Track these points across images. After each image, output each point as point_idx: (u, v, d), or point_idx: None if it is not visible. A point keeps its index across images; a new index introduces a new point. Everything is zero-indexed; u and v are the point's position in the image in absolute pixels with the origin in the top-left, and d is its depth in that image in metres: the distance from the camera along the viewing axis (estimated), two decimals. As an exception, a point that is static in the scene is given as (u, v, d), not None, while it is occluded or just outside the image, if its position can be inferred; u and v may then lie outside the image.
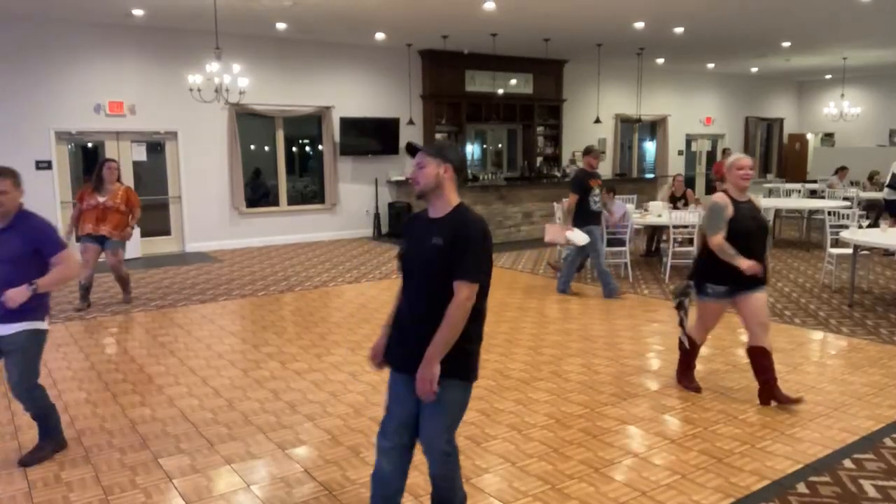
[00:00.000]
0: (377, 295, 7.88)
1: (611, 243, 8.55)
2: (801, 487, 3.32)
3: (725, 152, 14.10)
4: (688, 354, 4.72)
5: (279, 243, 12.08)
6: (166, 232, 11.28)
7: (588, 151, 7.69)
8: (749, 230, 4.28)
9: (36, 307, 3.55)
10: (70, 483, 3.48)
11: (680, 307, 4.61)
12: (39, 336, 3.63)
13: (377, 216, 13.02)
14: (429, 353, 2.58)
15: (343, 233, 12.85)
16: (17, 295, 3.41)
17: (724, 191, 4.39)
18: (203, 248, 11.30)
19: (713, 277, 4.37)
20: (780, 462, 3.58)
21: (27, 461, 3.68)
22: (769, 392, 4.38)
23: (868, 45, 13.53)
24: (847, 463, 3.56)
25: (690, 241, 8.63)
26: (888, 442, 3.81)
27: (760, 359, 4.41)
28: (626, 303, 7.34)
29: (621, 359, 5.39)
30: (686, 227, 8.78)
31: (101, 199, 7.19)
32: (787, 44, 13.12)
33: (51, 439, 3.80)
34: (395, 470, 2.79)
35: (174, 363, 5.46)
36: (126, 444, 3.94)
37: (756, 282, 4.28)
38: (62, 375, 5.18)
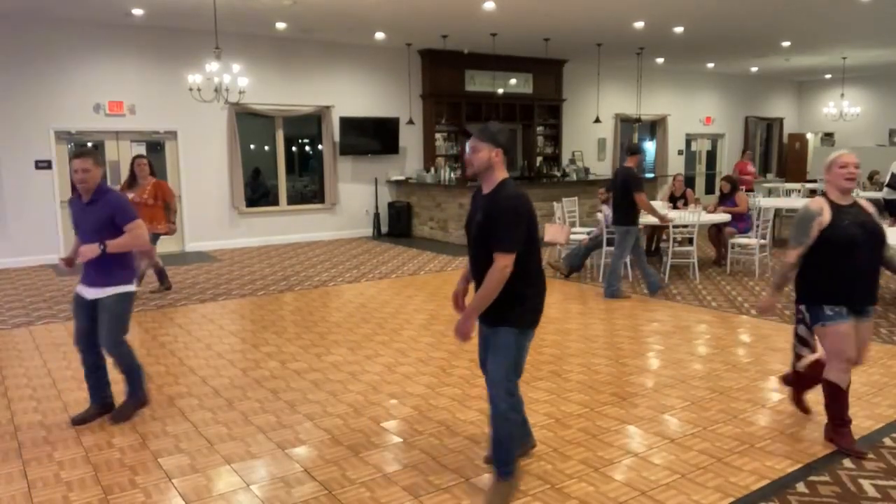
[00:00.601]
0: (377, 295, 7.88)
1: (610, 243, 8.54)
2: (801, 487, 3.32)
3: (745, 153, 13.94)
4: (809, 378, 3.96)
5: (279, 243, 12.08)
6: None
7: (637, 151, 7.65)
8: (854, 239, 3.54)
9: (121, 273, 4.09)
10: (70, 483, 3.48)
11: (797, 335, 3.90)
12: (125, 298, 4.13)
13: (377, 216, 13.02)
14: (466, 309, 3.18)
15: (343, 232, 12.85)
16: (88, 251, 3.93)
17: (824, 193, 3.75)
18: (203, 247, 11.30)
19: (826, 297, 3.65)
20: (779, 462, 3.58)
21: (116, 418, 4.19)
22: (841, 435, 3.71)
23: (868, 45, 13.53)
24: (847, 462, 3.56)
25: (690, 241, 8.63)
26: (888, 442, 3.81)
27: (840, 394, 3.69)
28: (625, 303, 7.34)
29: (621, 359, 5.39)
30: (686, 226, 8.78)
31: (130, 196, 7.30)
32: (787, 44, 13.13)
33: (134, 397, 4.29)
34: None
35: (174, 363, 5.46)
36: (126, 443, 3.94)
37: (867, 304, 3.70)
38: (62, 375, 5.18)
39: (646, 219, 9.21)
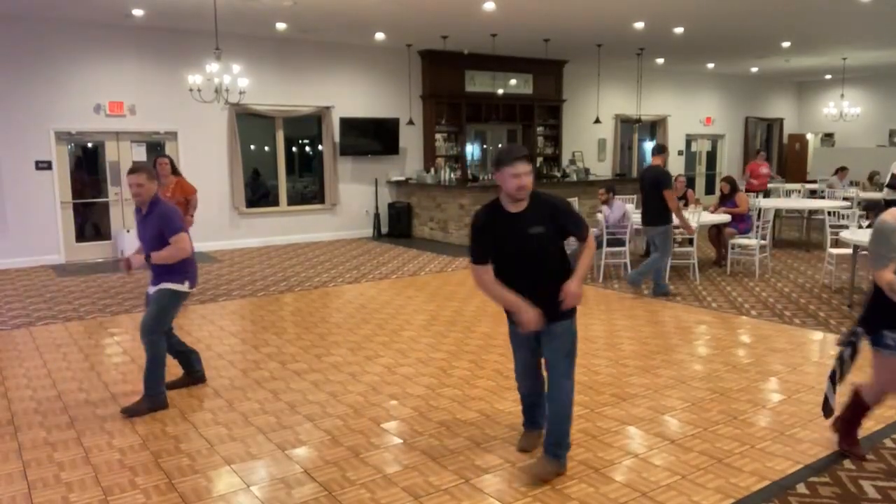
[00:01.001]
0: (377, 295, 7.88)
1: (610, 243, 8.55)
2: (801, 488, 3.32)
3: (759, 154, 13.84)
4: (854, 414, 3.64)
5: (279, 243, 12.08)
6: (98, 238, 11.19)
7: (664, 149, 7.70)
8: None
9: (176, 273, 4.47)
10: (70, 483, 3.48)
11: (839, 359, 3.53)
12: (175, 295, 4.50)
13: (377, 216, 13.02)
14: (578, 275, 3.38)
15: (343, 233, 12.85)
16: (135, 261, 4.41)
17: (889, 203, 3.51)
18: (203, 248, 11.29)
19: (892, 323, 3.30)
20: (780, 462, 3.58)
21: (127, 411, 4.36)
22: (847, 433, 3.66)
23: (868, 45, 13.54)
24: (847, 463, 3.56)
25: (690, 242, 8.62)
26: (888, 442, 3.81)
27: (865, 413, 3.62)
28: (625, 303, 7.34)
29: (621, 359, 5.39)
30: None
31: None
32: (787, 44, 13.13)
33: (148, 398, 4.42)
34: (534, 385, 3.74)
35: (174, 363, 5.45)
36: (126, 444, 3.94)
37: None
38: (62, 376, 5.18)
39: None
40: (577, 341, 3.52)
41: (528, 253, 3.38)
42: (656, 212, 7.33)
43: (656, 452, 3.73)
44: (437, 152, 13.51)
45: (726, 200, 9.46)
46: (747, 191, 12.13)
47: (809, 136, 20.19)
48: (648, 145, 17.73)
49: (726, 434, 3.95)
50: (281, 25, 10.58)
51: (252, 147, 12.38)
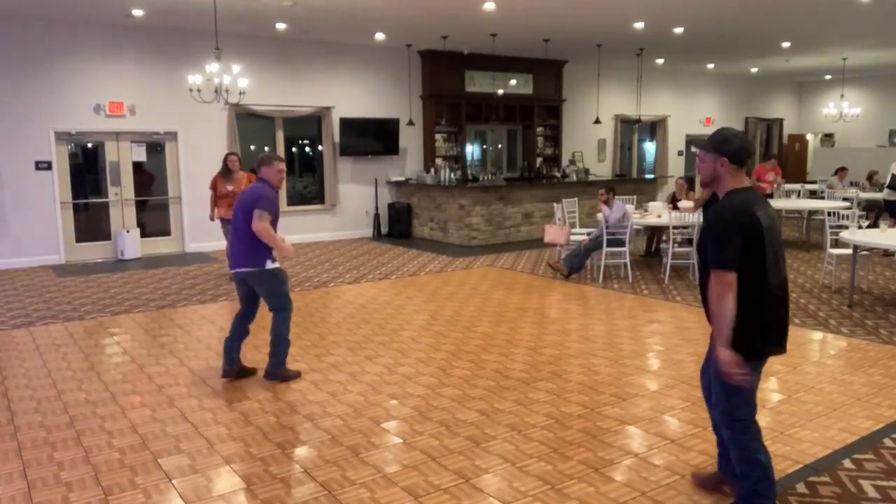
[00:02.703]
0: (377, 295, 7.88)
1: (610, 243, 8.55)
2: (801, 487, 3.32)
3: (770, 159, 13.71)
4: None
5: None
6: (166, 232, 11.28)
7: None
8: None
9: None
10: (70, 483, 3.48)
11: None
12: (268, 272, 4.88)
13: (377, 216, 13.02)
14: (713, 335, 2.93)
15: (343, 233, 12.85)
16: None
17: None
18: (203, 248, 11.30)
19: None
20: (779, 462, 3.58)
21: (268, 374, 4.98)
22: None
23: (868, 46, 13.54)
24: (847, 463, 3.56)
25: (690, 242, 8.62)
26: (888, 442, 3.81)
27: None
28: (625, 303, 7.35)
29: (621, 359, 5.39)
30: (686, 227, 8.78)
31: (229, 188, 8.38)
32: (787, 44, 13.13)
33: (281, 367, 4.99)
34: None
35: (174, 363, 5.46)
36: (126, 444, 3.94)
37: None
38: (62, 375, 5.18)
39: (645, 219, 9.24)
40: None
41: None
42: None
43: (656, 452, 3.73)
44: (437, 152, 13.51)
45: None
46: None
47: (809, 137, 20.19)
48: (648, 146, 17.74)
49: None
50: (281, 25, 10.58)
51: (252, 147, 12.36)
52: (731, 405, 2.95)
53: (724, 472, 3.26)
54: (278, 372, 4.97)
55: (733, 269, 2.78)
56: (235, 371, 5.00)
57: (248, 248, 4.75)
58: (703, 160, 2.94)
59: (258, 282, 4.84)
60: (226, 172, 8.50)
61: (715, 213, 2.88)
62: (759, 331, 2.87)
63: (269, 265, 4.81)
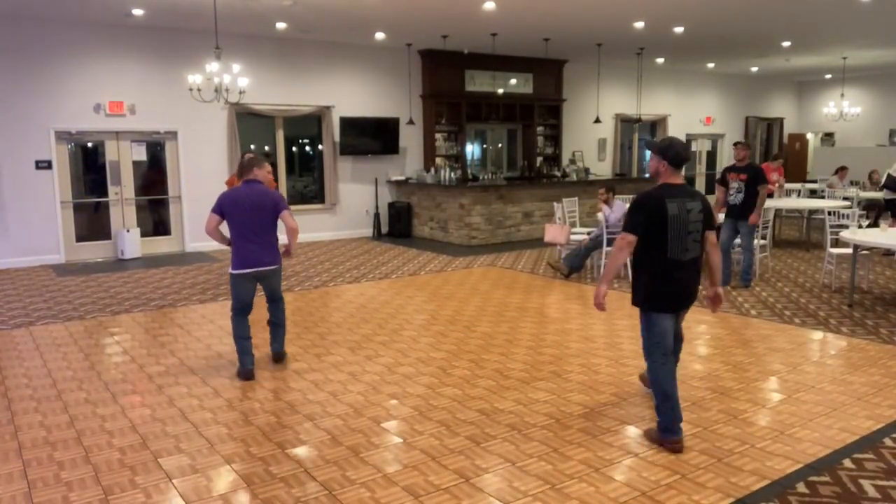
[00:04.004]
0: (377, 295, 7.88)
1: (610, 243, 8.54)
2: (801, 487, 3.32)
3: (776, 157, 13.47)
4: None
5: (279, 243, 12.05)
6: (166, 232, 11.29)
7: (734, 144, 8.05)
8: None
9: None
10: (70, 483, 3.48)
11: None
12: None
13: (377, 216, 13.02)
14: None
15: (343, 233, 12.85)
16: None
17: None
18: (203, 248, 11.30)
19: None
20: (780, 462, 3.58)
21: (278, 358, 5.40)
22: None
23: (868, 45, 13.53)
24: (847, 463, 3.56)
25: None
26: (888, 442, 3.81)
27: None
28: (625, 303, 7.33)
29: (621, 359, 5.39)
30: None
31: None
32: (787, 44, 13.12)
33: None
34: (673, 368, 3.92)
35: (174, 363, 5.46)
36: (126, 444, 3.94)
37: None
38: (62, 375, 5.18)
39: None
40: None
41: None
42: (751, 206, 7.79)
43: (656, 452, 3.73)
44: (437, 152, 13.51)
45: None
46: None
47: (809, 136, 20.18)
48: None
49: (726, 433, 3.95)
50: (281, 25, 10.57)
51: (252, 146, 12.36)
52: (646, 341, 3.90)
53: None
54: (285, 352, 5.51)
55: (633, 234, 3.77)
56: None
57: (273, 246, 5.12)
58: (652, 158, 3.93)
59: (276, 276, 5.22)
60: (241, 174, 8.59)
61: (637, 196, 3.88)
62: (650, 290, 3.82)
63: (280, 260, 5.26)
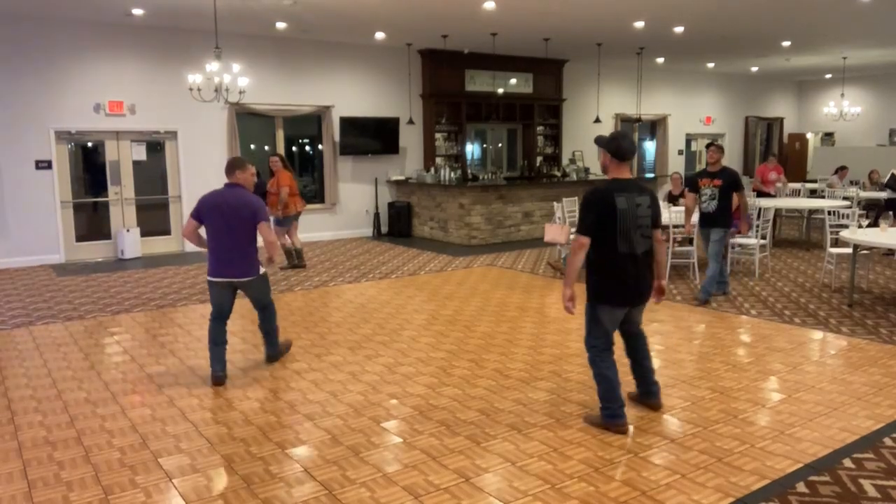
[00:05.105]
0: (377, 295, 7.88)
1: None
2: (801, 487, 3.32)
3: (770, 157, 13.27)
4: None
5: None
6: (166, 232, 11.28)
7: (706, 146, 7.55)
8: None
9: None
10: (70, 483, 3.48)
11: None
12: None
13: (377, 216, 13.02)
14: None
15: (343, 232, 12.85)
16: None
17: None
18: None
19: None
20: (780, 462, 3.58)
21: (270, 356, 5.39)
22: None
23: (868, 45, 13.53)
24: (847, 462, 3.56)
25: (690, 241, 8.61)
26: (888, 441, 3.81)
27: None
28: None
29: (621, 358, 5.37)
30: (685, 226, 8.75)
31: (269, 188, 9.22)
32: (787, 43, 13.12)
33: (277, 347, 5.41)
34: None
35: (174, 363, 5.46)
36: (126, 444, 3.94)
37: None
38: (62, 375, 5.18)
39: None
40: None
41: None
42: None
43: (656, 451, 3.73)
44: (437, 152, 13.51)
45: None
46: (758, 194, 11.67)
47: (809, 136, 20.18)
48: (649, 144, 17.74)
49: (726, 433, 3.95)
50: (281, 25, 10.57)
51: (252, 146, 12.38)
52: (588, 334, 4.07)
53: (638, 387, 4.38)
54: (279, 351, 5.44)
55: (586, 236, 3.82)
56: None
57: (251, 255, 4.91)
58: (599, 153, 4.00)
59: (256, 285, 5.02)
60: (270, 175, 9.26)
61: (586, 193, 3.91)
62: (602, 284, 3.93)
63: (261, 270, 5.04)
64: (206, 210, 4.82)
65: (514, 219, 12.28)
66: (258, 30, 10.94)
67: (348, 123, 12.39)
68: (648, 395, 4.32)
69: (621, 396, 3.99)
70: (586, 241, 3.83)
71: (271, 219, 8.68)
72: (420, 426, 4.12)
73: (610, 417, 3.96)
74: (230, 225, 4.78)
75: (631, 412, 4.29)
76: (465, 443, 3.87)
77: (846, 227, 8.17)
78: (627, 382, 4.39)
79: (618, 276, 3.87)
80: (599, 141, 3.99)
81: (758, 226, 8.89)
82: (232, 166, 4.93)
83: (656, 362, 5.33)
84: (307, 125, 12.71)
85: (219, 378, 4.89)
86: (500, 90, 13.64)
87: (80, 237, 10.61)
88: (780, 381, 4.83)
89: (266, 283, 5.17)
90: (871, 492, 3.26)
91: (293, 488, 3.39)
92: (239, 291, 5.05)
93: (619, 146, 3.86)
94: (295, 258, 9.52)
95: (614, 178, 3.90)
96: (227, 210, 4.78)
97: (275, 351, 5.40)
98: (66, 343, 6.06)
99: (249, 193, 4.92)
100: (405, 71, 12.97)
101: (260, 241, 4.92)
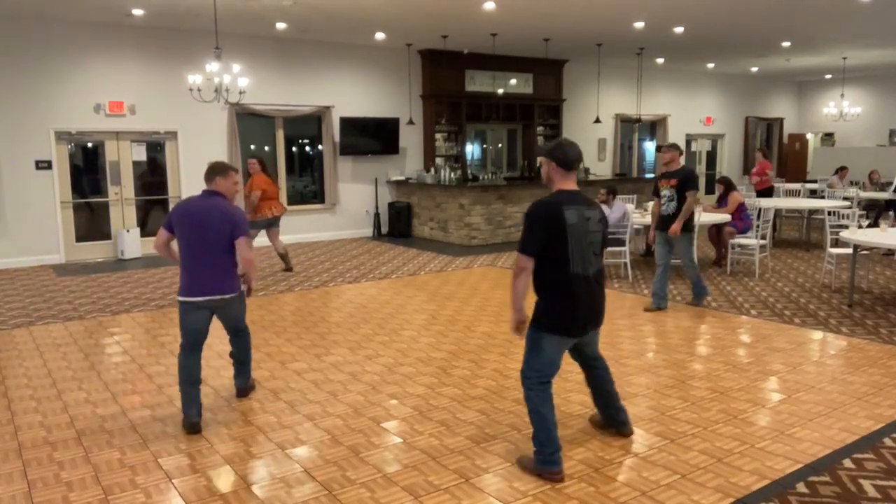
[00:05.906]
0: (377, 295, 7.88)
1: (610, 243, 8.54)
2: (801, 487, 3.32)
3: (757, 151, 13.06)
4: None
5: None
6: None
7: (657, 149, 7.24)
8: None
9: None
10: (70, 483, 3.48)
11: None
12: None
13: (377, 216, 13.02)
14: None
15: (343, 233, 12.85)
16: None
17: None
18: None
19: None
20: (779, 462, 3.58)
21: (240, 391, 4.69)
22: None
23: (868, 45, 13.53)
24: (847, 463, 3.56)
25: (690, 241, 8.61)
26: (888, 442, 3.81)
27: None
28: (626, 302, 7.34)
29: (621, 359, 5.39)
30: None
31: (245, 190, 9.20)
32: (787, 44, 13.12)
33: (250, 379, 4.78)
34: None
35: (174, 363, 5.45)
36: (126, 444, 3.94)
37: None
38: (62, 375, 5.18)
39: (645, 219, 9.22)
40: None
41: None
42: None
43: (656, 452, 3.73)
44: (437, 152, 13.51)
45: (722, 201, 9.48)
46: (758, 194, 11.65)
47: (809, 136, 20.19)
48: (649, 145, 17.73)
49: (726, 433, 3.95)
50: (281, 25, 10.57)
51: (252, 147, 12.37)
52: (526, 364, 3.53)
53: (602, 414, 3.97)
54: (251, 385, 4.76)
55: (530, 255, 3.37)
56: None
57: (230, 271, 4.22)
58: (542, 163, 3.57)
59: (234, 305, 4.32)
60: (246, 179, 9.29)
61: (530, 206, 3.43)
62: (550, 309, 3.44)
63: (242, 287, 4.38)
64: (178, 219, 4.18)
65: (514, 219, 12.27)
66: (258, 30, 10.94)
67: (348, 124, 12.39)
68: (617, 423, 3.90)
69: (557, 440, 3.45)
70: (530, 262, 3.37)
71: None
72: (420, 426, 4.12)
73: (543, 464, 3.43)
74: (205, 237, 4.11)
75: (631, 411, 4.28)
76: (465, 443, 3.87)
77: (846, 227, 8.18)
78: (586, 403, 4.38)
79: (569, 302, 3.40)
80: (542, 150, 3.62)
81: (758, 226, 8.90)
82: (212, 171, 4.26)
83: (656, 363, 5.33)
84: (307, 125, 12.71)
85: (193, 425, 4.08)
86: (500, 90, 13.64)
87: (80, 237, 10.61)
88: (780, 381, 4.82)
89: (243, 304, 4.45)
90: (871, 492, 3.26)
91: (293, 488, 3.39)
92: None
93: (564, 154, 3.44)
94: (285, 262, 9.33)
95: (560, 189, 3.45)
96: (203, 219, 4.13)
97: (246, 384, 4.69)
98: (66, 343, 6.06)
99: (230, 204, 4.24)
100: (405, 71, 12.97)
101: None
